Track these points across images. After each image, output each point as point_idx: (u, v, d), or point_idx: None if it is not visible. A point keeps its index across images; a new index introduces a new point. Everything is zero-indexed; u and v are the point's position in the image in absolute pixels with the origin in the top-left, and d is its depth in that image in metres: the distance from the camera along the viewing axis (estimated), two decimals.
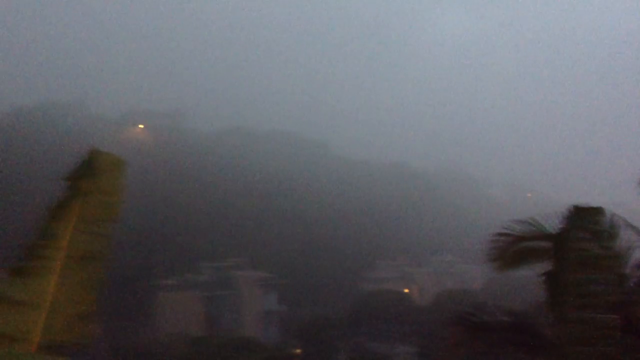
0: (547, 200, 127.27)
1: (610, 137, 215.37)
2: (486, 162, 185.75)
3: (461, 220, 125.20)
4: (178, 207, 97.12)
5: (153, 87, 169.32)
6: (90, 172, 5.27)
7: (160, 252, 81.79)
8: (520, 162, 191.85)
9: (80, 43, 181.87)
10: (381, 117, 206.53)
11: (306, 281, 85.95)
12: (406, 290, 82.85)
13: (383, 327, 64.37)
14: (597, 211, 8.49)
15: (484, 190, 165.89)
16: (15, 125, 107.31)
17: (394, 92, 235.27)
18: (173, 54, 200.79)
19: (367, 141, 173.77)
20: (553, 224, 8.99)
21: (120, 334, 56.13)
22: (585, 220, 8.26)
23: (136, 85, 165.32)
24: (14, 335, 4.77)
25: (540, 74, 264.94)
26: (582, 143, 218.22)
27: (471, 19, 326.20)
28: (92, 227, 5.12)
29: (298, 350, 61.61)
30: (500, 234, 9.66)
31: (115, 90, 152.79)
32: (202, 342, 52.31)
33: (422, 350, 55.26)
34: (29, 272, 4.95)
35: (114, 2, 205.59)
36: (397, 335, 62.60)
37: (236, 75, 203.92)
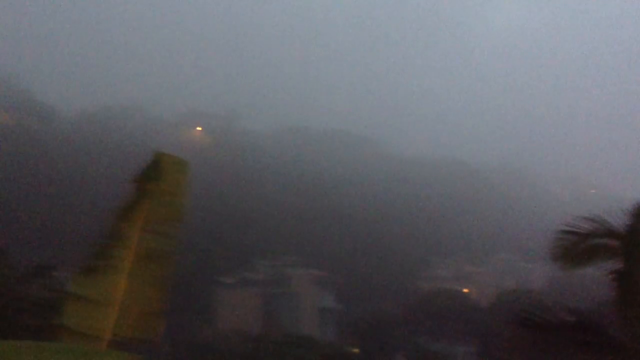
0: (612, 197, 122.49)
1: None
2: (546, 158, 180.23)
3: (521, 218, 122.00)
4: (235, 207, 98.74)
5: (209, 89, 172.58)
6: (155, 174, 5.40)
7: (218, 251, 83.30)
8: (582, 158, 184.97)
9: (138, 48, 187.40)
10: (435, 113, 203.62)
11: (363, 280, 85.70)
12: (465, 290, 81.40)
13: (441, 327, 63.45)
14: None
15: (544, 187, 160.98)
16: (81, 130, 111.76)
17: (448, 86, 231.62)
18: (228, 55, 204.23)
19: (421, 138, 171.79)
20: (620, 222, 8.66)
21: (181, 331, 57.52)
22: None
23: (193, 88, 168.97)
24: (86, 332, 4.96)
25: (603, 67, 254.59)
26: None
27: (533, 8, 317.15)
28: (158, 227, 5.26)
29: (355, 349, 61.43)
30: (564, 232, 9.37)
31: (172, 93, 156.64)
32: (260, 339, 52.90)
33: (482, 350, 54.20)
34: (99, 271, 5.13)
35: (169, 8, 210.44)
36: (455, 335, 61.57)
37: (290, 75, 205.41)
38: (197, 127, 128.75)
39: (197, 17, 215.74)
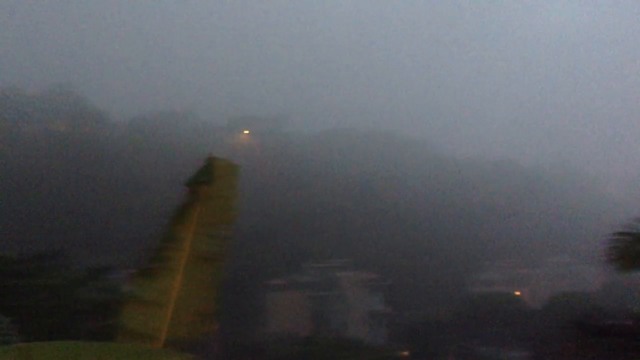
0: None
1: None
2: (601, 158, 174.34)
3: (575, 219, 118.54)
4: (283, 209, 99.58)
5: (257, 93, 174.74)
6: (207, 177, 5.52)
7: (267, 253, 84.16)
8: (638, 157, 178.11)
9: (188, 55, 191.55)
10: (486, 113, 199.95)
11: (412, 283, 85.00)
12: (518, 293, 79.62)
13: (493, 331, 62.23)
14: None
15: (599, 188, 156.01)
16: (135, 135, 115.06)
17: (499, 86, 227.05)
18: (275, 59, 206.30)
19: (472, 138, 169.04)
20: None
21: (232, 332, 58.36)
22: None
23: (242, 92, 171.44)
24: (143, 332, 5.10)
25: None
26: None
27: (583, 9, 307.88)
28: (211, 230, 5.37)
29: (405, 353, 60.97)
30: (620, 233, 9.09)
31: (221, 98, 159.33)
32: (309, 342, 53.15)
33: (535, 355, 52.83)
34: (154, 273, 5.26)
35: (217, 16, 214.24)
36: (508, 339, 60.26)
37: (335, 77, 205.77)
38: (245, 130, 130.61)
39: (243, 23, 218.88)
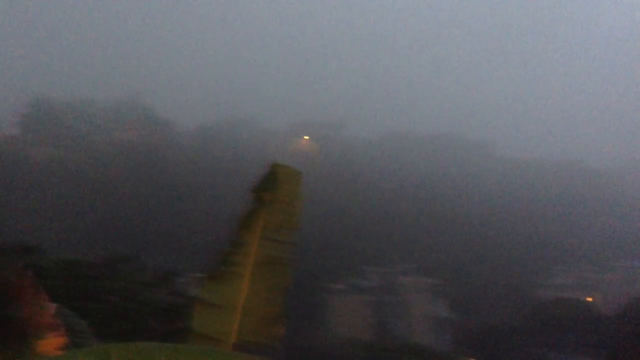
0: None
1: None
2: None
3: None
4: (345, 214, 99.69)
5: (318, 98, 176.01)
6: (271, 184, 5.66)
7: (330, 258, 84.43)
8: None
9: (250, 64, 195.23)
10: (550, 113, 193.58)
11: (477, 288, 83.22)
12: (589, 299, 76.50)
13: (562, 338, 60.05)
14: None
15: None
16: (201, 142, 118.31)
17: (566, 86, 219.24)
18: (333, 66, 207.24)
19: (535, 139, 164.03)
20: None
21: (295, 336, 58.84)
22: None
23: (302, 98, 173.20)
24: (212, 335, 5.27)
25: None
26: None
27: None
28: (276, 235, 5.50)
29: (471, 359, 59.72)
30: None
31: (283, 104, 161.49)
32: (372, 347, 52.92)
33: None
34: (222, 277, 5.43)
35: (273, 24, 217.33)
36: (579, 346, 57.98)
37: (393, 81, 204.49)
38: (305, 136, 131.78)
39: (302, 32, 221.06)
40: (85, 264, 27.12)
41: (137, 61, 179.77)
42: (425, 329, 71.71)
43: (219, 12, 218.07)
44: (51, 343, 5.13)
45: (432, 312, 74.33)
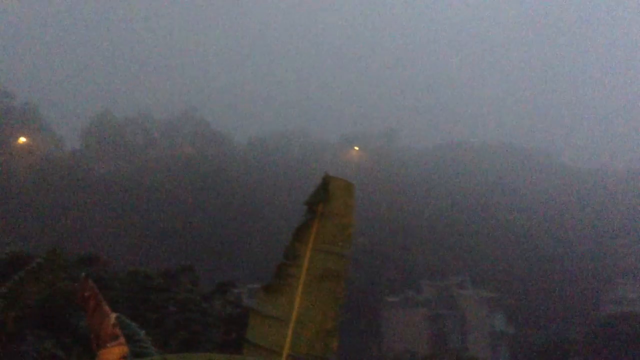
0: None
1: None
2: None
3: None
4: (398, 225, 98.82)
5: (369, 109, 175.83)
6: (324, 196, 5.68)
7: (384, 270, 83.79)
8: None
9: (303, 77, 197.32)
10: (614, 121, 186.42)
11: (537, 302, 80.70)
12: None
13: (628, 355, 57.40)
14: None
15: None
16: (254, 155, 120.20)
17: (626, 92, 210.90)
18: (383, 76, 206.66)
19: (598, 147, 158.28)
20: None
21: (350, 349, 58.54)
22: None
23: (353, 109, 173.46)
24: (267, 346, 5.32)
25: None
26: None
27: None
28: (329, 247, 5.51)
29: None
30: None
31: (333, 116, 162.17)
32: None
33: None
34: (277, 289, 5.48)
35: (323, 38, 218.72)
36: None
37: (446, 90, 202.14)
38: (356, 147, 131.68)
39: (351, 43, 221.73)
40: (145, 275, 27.83)
41: (191, 76, 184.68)
42: (483, 343, 70.00)
43: (269, 28, 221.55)
44: (112, 352, 5.28)
45: (490, 326, 72.54)
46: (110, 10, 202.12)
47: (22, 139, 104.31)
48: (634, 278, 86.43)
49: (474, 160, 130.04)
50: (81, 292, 5.85)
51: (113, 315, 5.69)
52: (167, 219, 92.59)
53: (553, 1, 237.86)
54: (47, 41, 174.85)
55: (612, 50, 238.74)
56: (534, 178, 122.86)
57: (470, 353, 63.62)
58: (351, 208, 5.74)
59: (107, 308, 5.76)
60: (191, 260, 50.92)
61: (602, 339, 60.58)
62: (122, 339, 5.51)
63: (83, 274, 5.94)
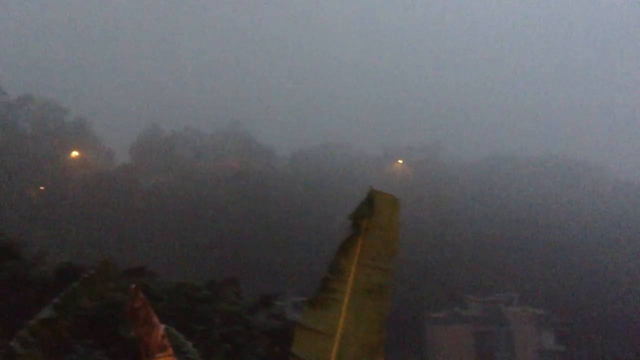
0: None
1: None
2: None
3: None
4: (444, 240, 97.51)
5: (412, 122, 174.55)
6: (369, 210, 5.68)
7: (428, 285, 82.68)
8: None
9: (341, 89, 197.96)
10: None
11: (588, 319, 78.02)
12: None
13: None
14: None
15: None
16: (297, 168, 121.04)
17: None
18: (427, 87, 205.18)
19: None
20: None
21: None
22: None
23: (396, 122, 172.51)
24: None
25: None
26: None
27: None
28: (374, 262, 5.50)
29: None
30: None
31: (376, 129, 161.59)
32: None
33: None
34: (322, 303, 5.50)
35: (364, 50, 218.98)
36: None
37: (494, 101, 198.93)
38: (400, 160, 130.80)
39: (392, 55, 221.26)
40: (191, 287, 28.28)
41: (236, 91, 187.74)
42: None
43: (310, 42, 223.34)
44: None
45: (539, 344, 70.54)
46: (157, 30, 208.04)
47: (75, 153, 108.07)
48: None
49: (522, 173, 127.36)
50: (131, 303, 5.98)
51: (162, 327, 5.80)
52: (212, 231, 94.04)
53: (618, 10, 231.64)
54: (99, 59, 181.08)
55: None
56: (585, 193, 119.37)
57: None
58: (396, 223, 5.72)
59: (156, 319, 5.87)
60: (235, 272, 51.44)
61: None
62: (170, 351, 5.61)
63: (133, 285, 6.07)
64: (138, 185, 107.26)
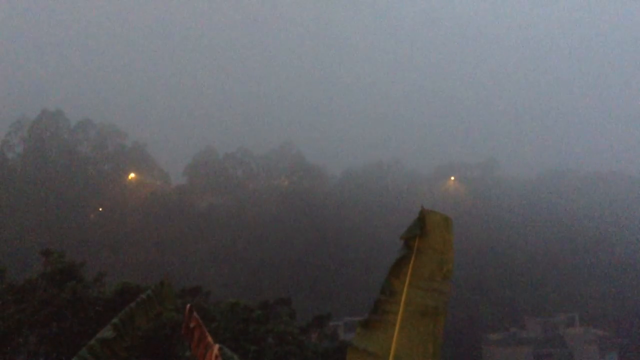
0: None
1: None
2: None
3: None
4: (499, 259, 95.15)
5: (465, 139, 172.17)
6: (421, 230, 5.61)
7: (486, 306, 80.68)
8: None
9: (395, 108, 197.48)
10: None
11: None
12: None
13: None
14: None
15: None
16: (348, 187, 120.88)
17: None
18: (481, 104, 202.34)
19: None
20: None
21: None
22: None
23: (448, 140, 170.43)
24: None
25: None
26: None
27: None
28: (427, 284, 5.40)
29: None
30: None
31: (428, 147, 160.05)
32: None
33: None
34: (374, 324, 5.44)
35: (417, 69, 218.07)
36: None
37: (548, 116, 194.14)
38: (452, 177, 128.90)
39: (451, 73, 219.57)
40: (245, 307, 28.51)
41: (287, 113, 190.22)
42: None
43: (362, 63, 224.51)
44: None
45: None
46: (213, 55, 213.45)
47: (132, 175, 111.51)
48: None
49: (580, 190, 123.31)
50: (186, 323, 6.09)
51: (216, 347, 5.87)
52: (264, 250, 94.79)
53: None
54: (156, 84, 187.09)
55: None
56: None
57: None
58: (450, 243, 5.63)
59: (210, 339, 5.95)
60: (287, 292, 51.59)
61: None
62: None
63: (188, 305, 6.18)
64: (192, 206, 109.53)
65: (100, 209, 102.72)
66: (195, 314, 6.14)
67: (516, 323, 76.43)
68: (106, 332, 6.70)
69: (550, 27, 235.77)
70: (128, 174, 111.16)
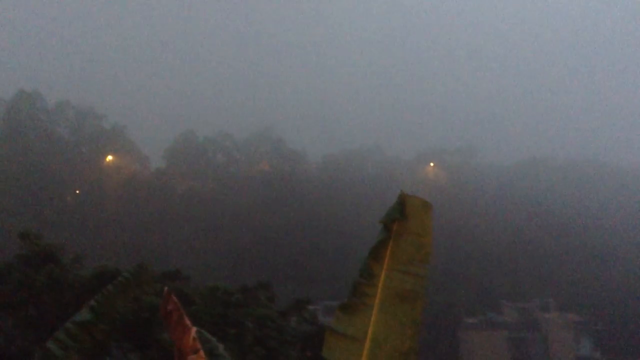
0: None
1: None
2: None
3: None
4: (477, 245, 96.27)
5: (444, 125, 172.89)
6: (400, 215, 5.62)
7: (463, 291, 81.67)
8: None
9: (375, 93, 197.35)
10: None
11: (625, 326, 76.04)
12: None
13: None
14: None
15: None
16: (328, 172, 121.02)
17: None
18: (460, 90, 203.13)
19: None
20: None
21: None
22: None
23: (427, 127, 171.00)
24: None
25: None
26: None
27: None
28: (405, 267, 5.44)
29: None
30: None
31: (408, 133, 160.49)
32: None
33: None
34: (353, 308, 5.47)
35: (395, 56, 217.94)
36: None
37: (527, 103, 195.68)
38: (432, 163, 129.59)
39: (430, 58, 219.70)
40: (224, 290, 28.50)
41: (268, 96, 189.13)
42: None
43: (342, 48, 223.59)
44: None
45: (576, 351, 68.96)
46: (193, 38, 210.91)
47: (110, 158, 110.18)
48: None
49: (558, 177, 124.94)
50: (164, 306, 6.05)
51: (194, 330, 5.85)
52: (244, 235, 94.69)
53: None
54: (135, 66, 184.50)
55: None
56: (622, 197, 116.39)
57: None
58: (428, 227, 5.65)
59: (188, 322, 5.93)
60: (268, 276, 51.66)
61: None
62: (202, 353, 5.66)
63: (166, 288, 6.14)
64: (172, 190, 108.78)
65: (77, 192, 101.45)
66: (173, 297, 6.11)
67: (494, 308, 77.58)
68: (83, 315, 6.63)
69: (530, 14, 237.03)
70: (106, 157, 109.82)
